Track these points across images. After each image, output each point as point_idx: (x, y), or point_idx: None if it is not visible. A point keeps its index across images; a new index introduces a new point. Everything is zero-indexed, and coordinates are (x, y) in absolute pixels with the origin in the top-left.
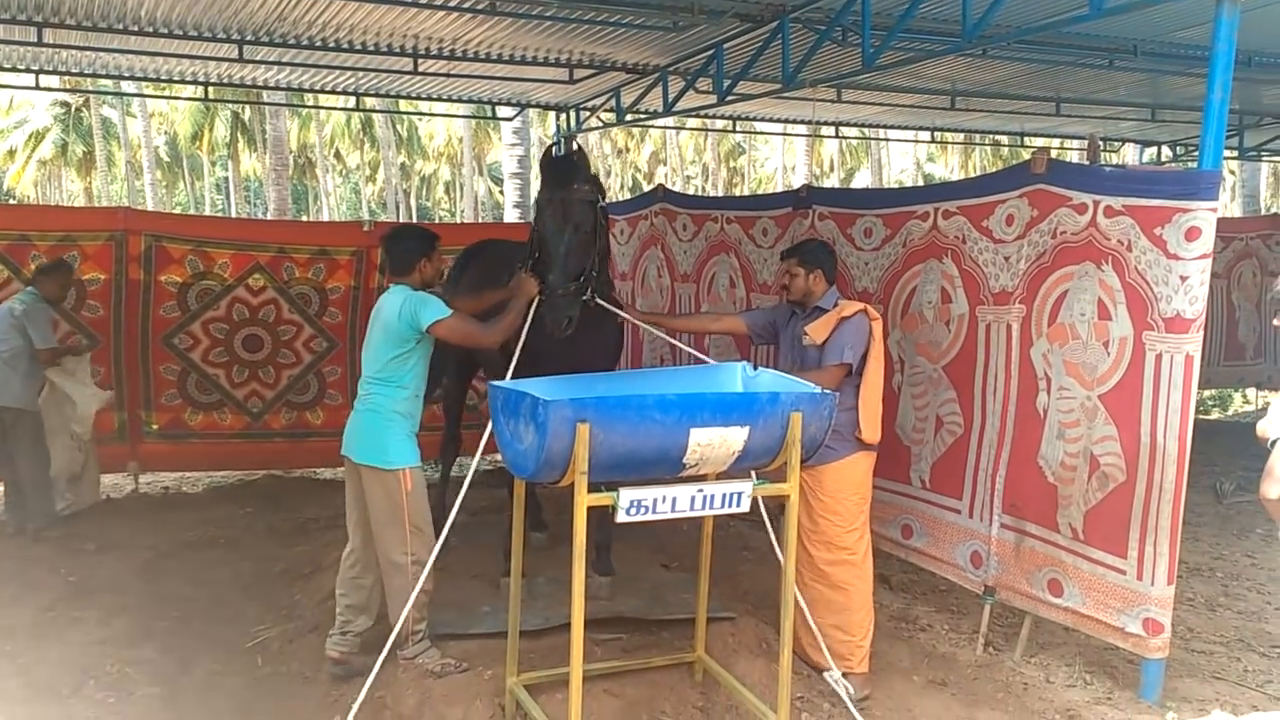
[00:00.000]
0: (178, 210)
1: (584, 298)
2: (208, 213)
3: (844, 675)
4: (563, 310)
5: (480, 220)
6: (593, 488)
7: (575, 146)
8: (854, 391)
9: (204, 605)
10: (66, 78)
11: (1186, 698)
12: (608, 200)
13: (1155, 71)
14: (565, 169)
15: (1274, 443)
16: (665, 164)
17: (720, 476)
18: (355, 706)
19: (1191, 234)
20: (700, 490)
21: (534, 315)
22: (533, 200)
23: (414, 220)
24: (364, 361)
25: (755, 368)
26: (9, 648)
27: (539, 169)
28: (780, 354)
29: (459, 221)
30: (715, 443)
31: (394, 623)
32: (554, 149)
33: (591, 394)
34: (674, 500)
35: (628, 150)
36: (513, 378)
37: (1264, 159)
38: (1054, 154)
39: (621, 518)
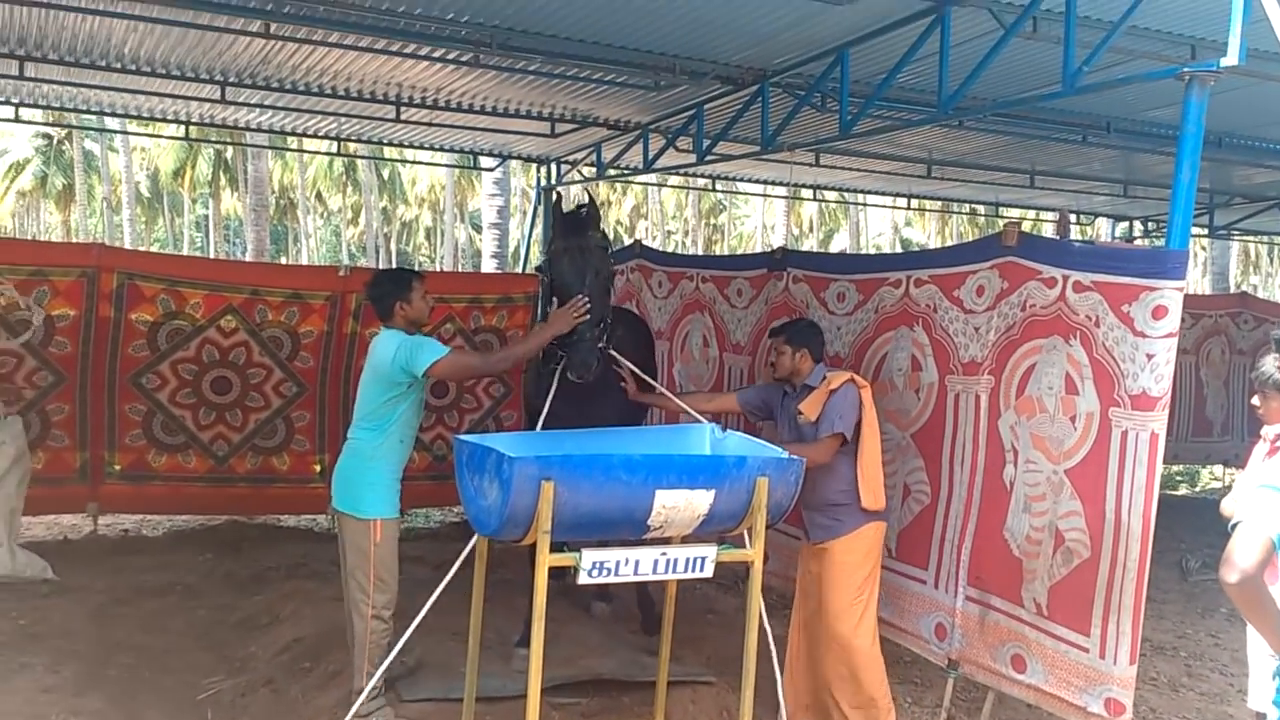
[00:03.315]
0: (156, 247)
1: (601, 345)
2: (186, 251)
3: None
4: (588, 355)
5: (460, 268)
6: (555, 548)
7: (588, 198)
8: (850, 462)
9: (156, 654)
10: (50, 111)
11: None
12: None
13: (1127, 148)
14: (580, 218)
15: (1234, 525)
16: (646, 218)
17: (685, 540)
18: None
19: (1158, 312)
20: (664, 553)
21: (557, 366)
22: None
23: (393, 265)
24: (356, 404)
25: (724, 430)
26: None
27: (553, 219)
28: (779, 432)
29: (439, 269)
30: (680, 505)
31: (355, 672)
32: (565, 202)
33: (558, 451)
34: (637, 563)
35: (609, 203)
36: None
37: (1234, 238)
38: (1029, 225)
39: (583, 579)
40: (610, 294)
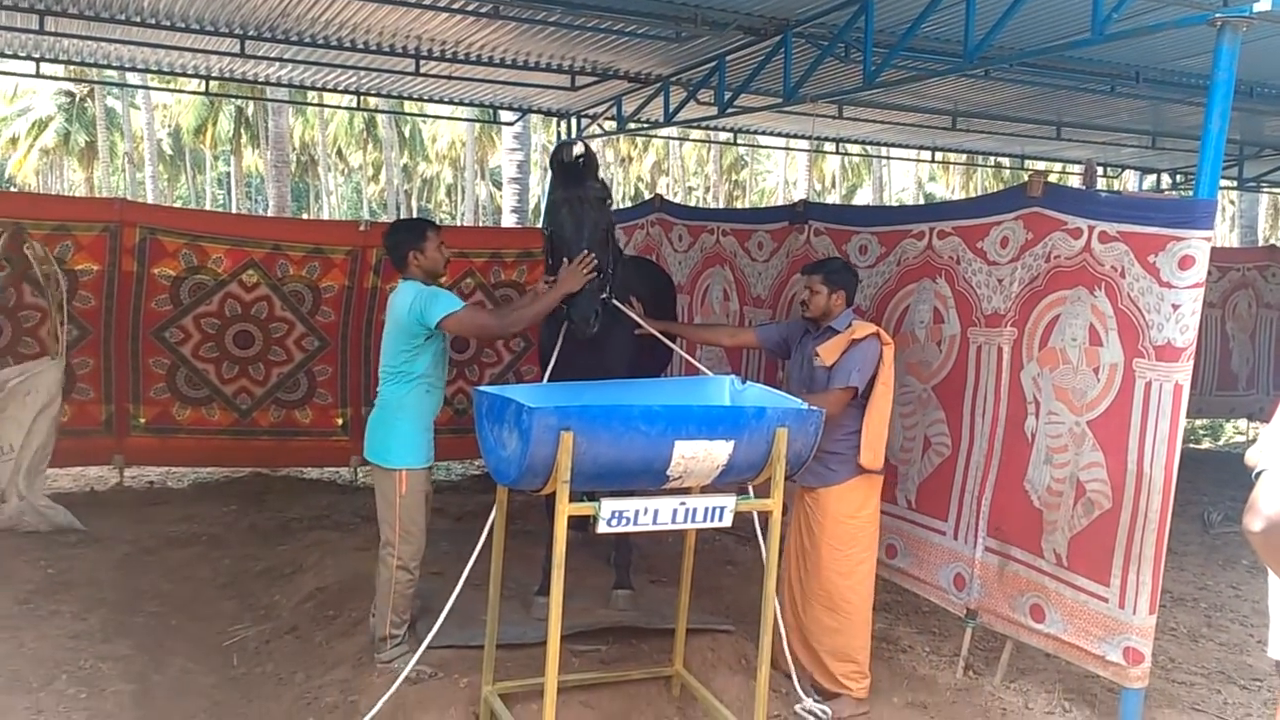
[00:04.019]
0: (178, 204)
1: (603, 296)
2: (208, 207)
3: (837, 698)
4: (586, 309)
5: (480, 224)
6: (574, 497)
7: (584, 148)
8: (859, 415)
9: (181, 602)
10: (71, 67)
11: None
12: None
13: (1156, 99)
14: (577, 168)
15: (1259, 474)
16: (668, 175)
17: (704, 490)
18: None
19: (1185, 263)
20: (683, 503)
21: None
22: (533, 204)
23: None
24: (380, 357)
25: (744, 381)
26: None
27: (550, 167)
28: (790, 371)
29: (460, 225)
30: (699, 456)
31: (377, 619)
32: (564, 150)
33: (577, 402)
34: (656, 512)
35: (631, 160)
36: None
37: (1263, 190)
38: (1055, 178)
39: (602, 528)
40: (610, 244)
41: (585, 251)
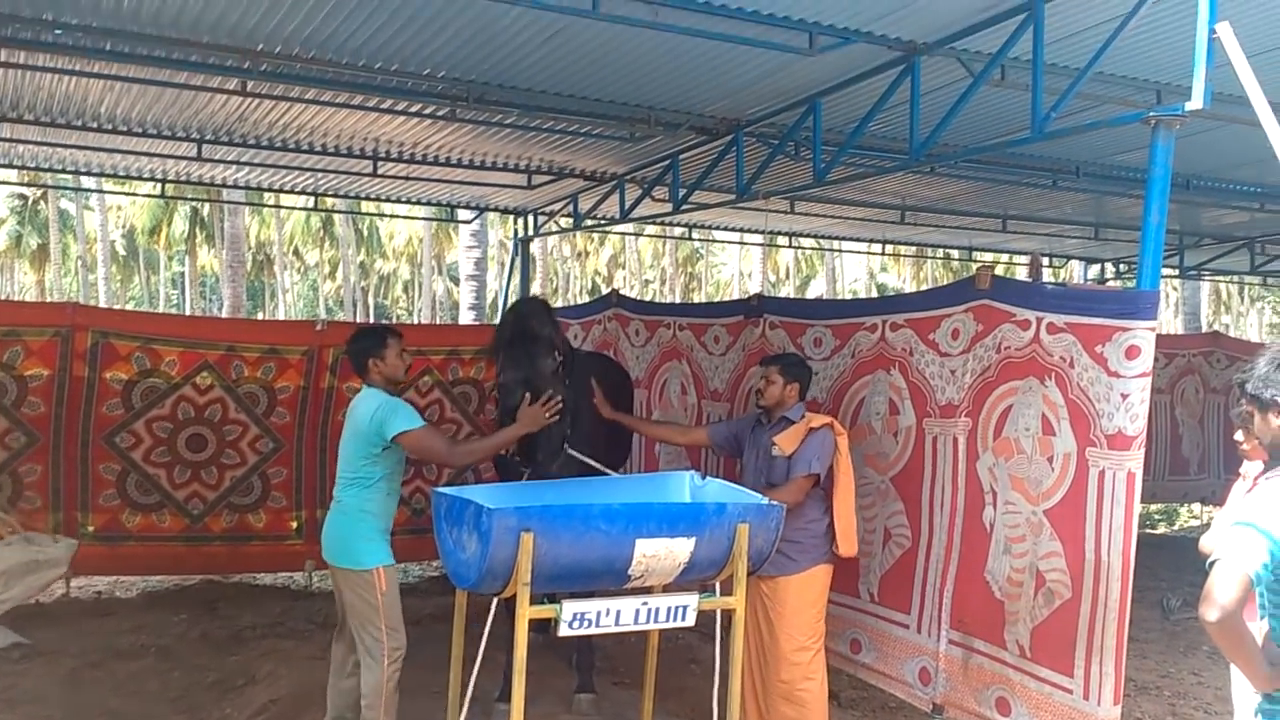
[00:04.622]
0: (131, 305)
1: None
2: (162, 308)
3: None
4: (549, 473)
5: (438, 320)
6: (535, 599)
7: (531, 313)
8: (820, 505)
9: (130, 719)
10: (25, 171)
11: None
12: (567, 303)
13: (1097, 192)
14: (524, 342)
15: (1213, 563)
16: (624, 268)
17: (666, 589)
18: None
19: (1131, 352)
20: (645, 603)
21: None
22: (491, 299)
23: (371, 319)
24: (338, 460)
25: (704, 477)
26: None
27: (495, 340)
28: (744, 464)
29: (417, 321)
30: (661, 554)
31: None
32: (511, 315)
33: (537, 502)
34: (618, 614)
35: (587, 254)
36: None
37: (1204, 278)
38: (1002, 269)
39: (564, 631)
40: (566, 411)
41: (549, 394)
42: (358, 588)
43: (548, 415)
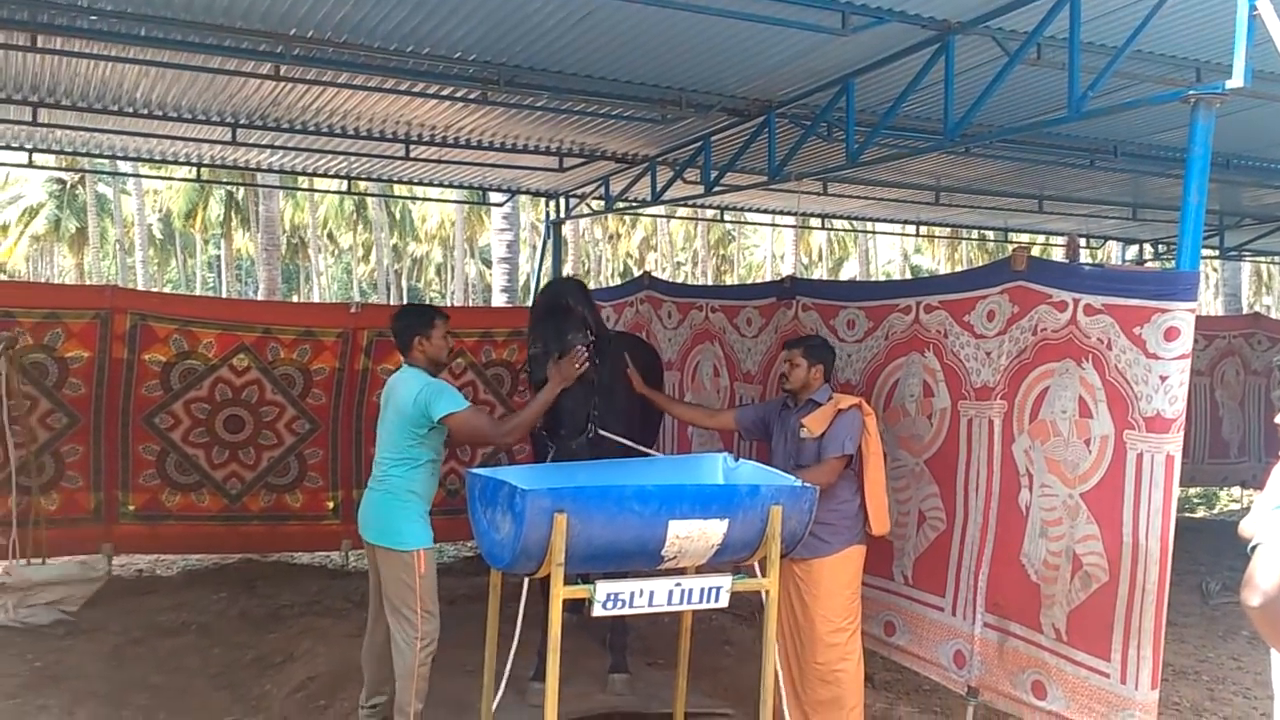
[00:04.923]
0: (168, 288)
1: (589, 436)
2: (198, 291)
3: None
4: (574, 455)
5: (470, 303)
6: (569, 580)
7: (565, 291)
8: (851, 485)
9: (171, 694)
10: (62, 155)
11: None
12: (599, 285)
13: (1136, 172)
14: (554, 318)
15: (1254, 547)
16: (656, 250)
17: (699, 570)
18: None
19: (1170, 334)
20: (678, 584)
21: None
22: (523, 282)
23: (404, 302)
24: (379, 440)
25: (736, 459)
26: None
27: (529, 316)
28: (773, 448)
29: (450, 304)
30: (694, 535)
31: (397, 708)
32: (544, 293)
33: (571, 483)
34: (651, 594)
35: (619, 236)
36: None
37: (1245, 259)
38: (1038, 250)
39: (598, 611)
40: (592, 391)
41: (576, 347)
42: (397, 568)
43: (578, 367)
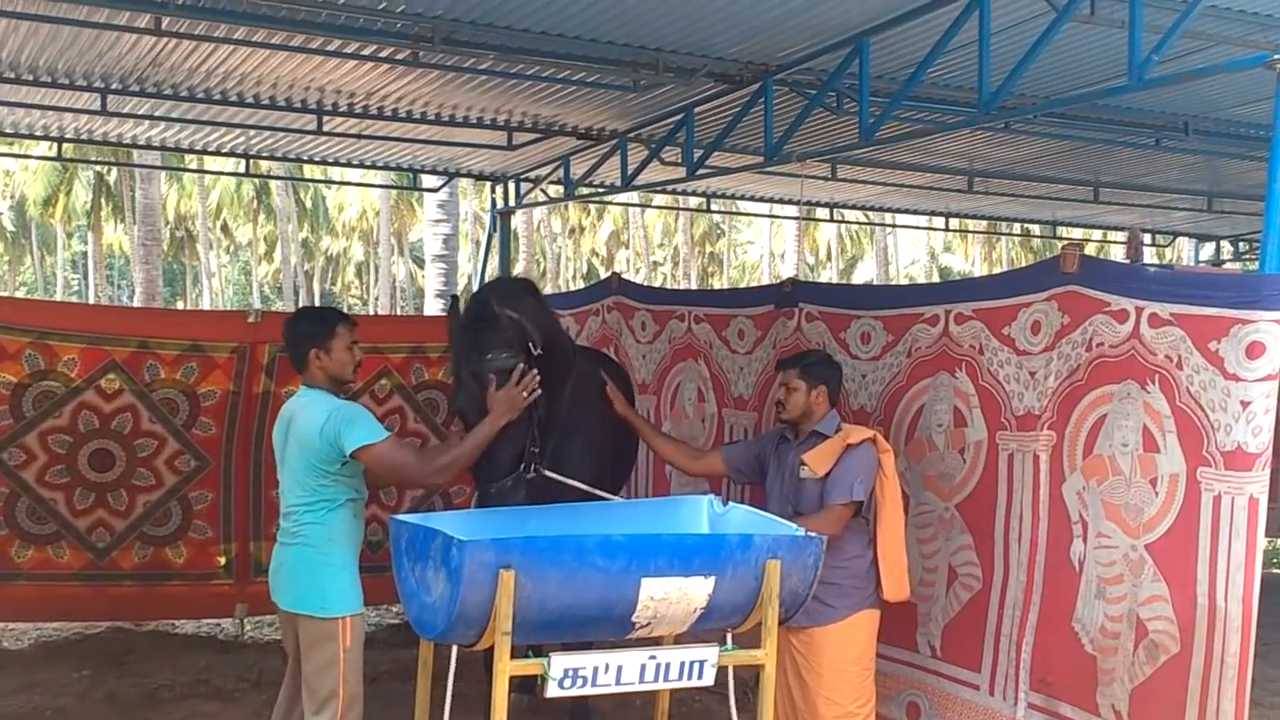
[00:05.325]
0: (22, 292)
1: (529, 476)
2: (59, 296)
3: None
4: (508, 500)
5: (399, 310)
6: (518, 652)
7: (486, 302)
8: (862, 539)
9: None
10: None
11: None
12: (556, 289)
13: (1210, 153)
14: (475, 329)
15: None
16: (628, 247)
17: (678, 640)
18: None
19: (1254, 350)
20: (653, 657)
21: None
22: (463, 285)
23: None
24: (283, 483)
25: (725, 502)
26: None
27: (449, 327)
28: (768, 489)
29: (373, 312)
30: (673, 596)
31: None
32: (455, 311)
33: (519, 533)
34: (620, 669)
35: (582, 230)
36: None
37: None
38: (1094, 248)
39: (552, 691)
40: (530, 419)
41: (523, 370)
42: (318, 639)
43: (525, 396)
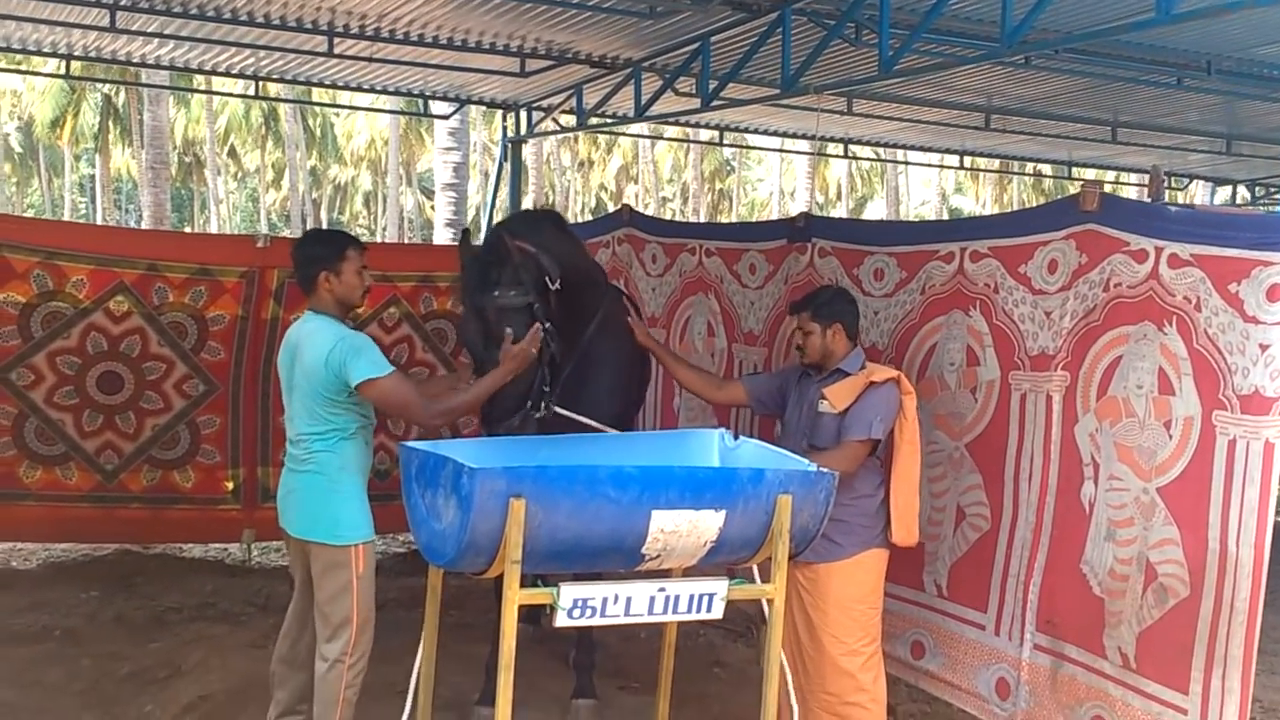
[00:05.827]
0: (30, 214)
1: (538, 415)
2: (67, 218)
3: None
4: (514, 406)
5: (407, 240)
6: (527, 581)
7: (497, 241)
8: (874, 478)
9: (28, 714)
10: None
11: None
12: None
13: (1232, 94)
14: (485, 263)
15: None
16: (637, 182)
17: (688, 572)
18: None
19: (1275, 293)
20: (662, 589)
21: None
22: (472, 215)
23: None
24: (290, 410)
25: (735, 436)
26: None
27: (460, 263)
28: (785, 421)
29: (381, 240)
30: (683, 529)
31: None
32: (466, 245)
33: (531, 462)
34: (629, 601)
35: (591, 164)
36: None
37: None
38: (1109, 189)
39: (561, 620)
40: (539, 361)
41: (537, 325)
42: (331, 565)
43: (534, 348)
